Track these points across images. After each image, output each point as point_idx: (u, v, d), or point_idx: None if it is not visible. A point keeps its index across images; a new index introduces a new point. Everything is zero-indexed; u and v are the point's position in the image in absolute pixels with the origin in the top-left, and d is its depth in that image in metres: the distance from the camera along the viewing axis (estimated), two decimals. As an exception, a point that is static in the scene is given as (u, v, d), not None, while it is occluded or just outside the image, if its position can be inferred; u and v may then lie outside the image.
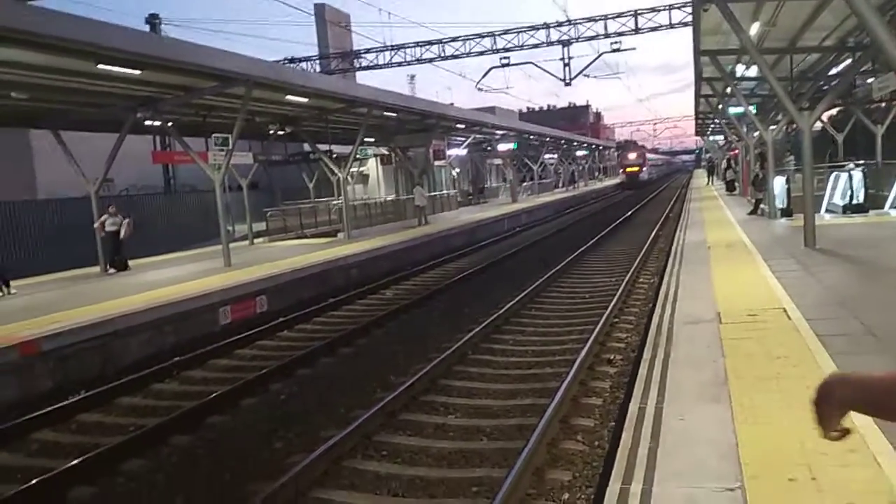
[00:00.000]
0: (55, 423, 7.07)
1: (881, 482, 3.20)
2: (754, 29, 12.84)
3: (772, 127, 19.62)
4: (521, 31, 33.04)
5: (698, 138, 72.67)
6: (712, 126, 42.33)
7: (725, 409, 4.32)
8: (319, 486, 5.08)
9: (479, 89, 35.97)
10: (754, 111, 19.76)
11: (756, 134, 21.68)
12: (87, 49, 9.97)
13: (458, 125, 28.48)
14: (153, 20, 29.27)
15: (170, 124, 16.33)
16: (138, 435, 6.34)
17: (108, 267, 15.70)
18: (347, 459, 5.50)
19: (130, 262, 16.10)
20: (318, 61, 39.12)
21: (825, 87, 19.81)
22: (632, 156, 62.93)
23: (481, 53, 33.65)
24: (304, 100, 16.86)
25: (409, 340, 9.63)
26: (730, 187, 30.98)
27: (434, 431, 6.13)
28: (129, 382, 8.22)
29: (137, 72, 11.57)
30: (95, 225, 15.53)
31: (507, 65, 33.59)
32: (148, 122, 16.62)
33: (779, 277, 8.78)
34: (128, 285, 12.68)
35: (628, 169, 61.37)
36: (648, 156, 68.48)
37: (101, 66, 10.92)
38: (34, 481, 5.36)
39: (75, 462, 5.72)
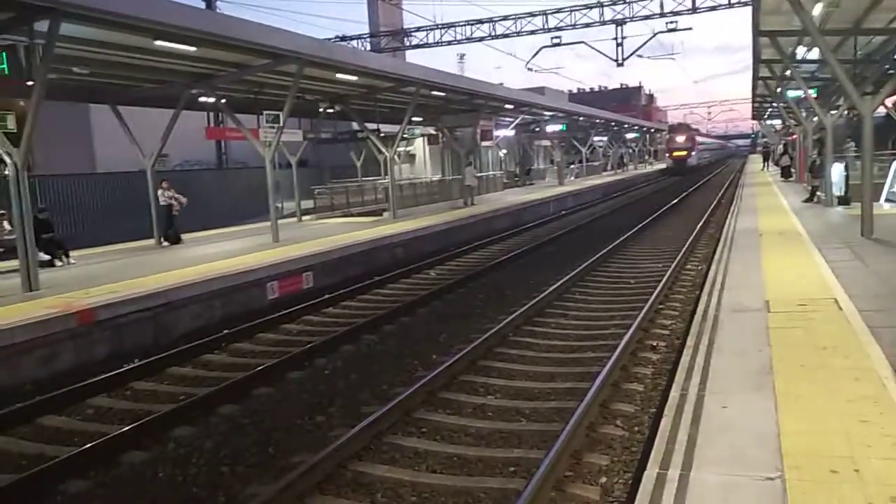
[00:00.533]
0: (110, 390, 7.38)
1: (928, 479, 3.13)
2: (817, 9, 12.35)
3: (832, 112, 18.94)
4: (573, 10, 32.55)
5: (754, 122, 70.56)
6: (770, 110, 41.05)
7: (769, 399, 4.26)
8: (360, 459, 5.20)
9: (529, 69, 35.48)
10: (814, 95, 19.08)
11: (815, 119, 20.97)
12: (146, 25, 10.21)
13: (507, 106, 28.25)
14: (208, -3, 29.73)
15: (223, 101, 16.64)
16: (188, 403, 6.57)
17: (161, 240, 16.18)
18: (388, 435, 5.61)
19: (183, 236, 16.56)
20: (368, 39, 39.24)
21: (891, 71, 18.98)
22: (680, 139, 57.40)
23: (532, 32, 33.28)
24: (354, 78, 16.96)
25: (452, 320, 9.70)
26: (785, 173, 30.07)
27: (473, 411, 6.19)
28: (180, 352, 8.50)
29: (193, 48, 11.81)
30: (162, 201, 15.93)
31: (559, 44, 33.15)
32: (202, 99, 16.99)
33: (832, 267, 8.54)
34: (180, 258, 13.05)
35: (675, 153, 56.22)
36: (699, 139, 62.48)
37: (158, 42, 11.17)
38: (89, 445, 5.62)
39: (128, 428, 5.97)
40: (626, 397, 6.23)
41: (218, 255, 13.17)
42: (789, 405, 4.14)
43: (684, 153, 55.09)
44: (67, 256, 13.13)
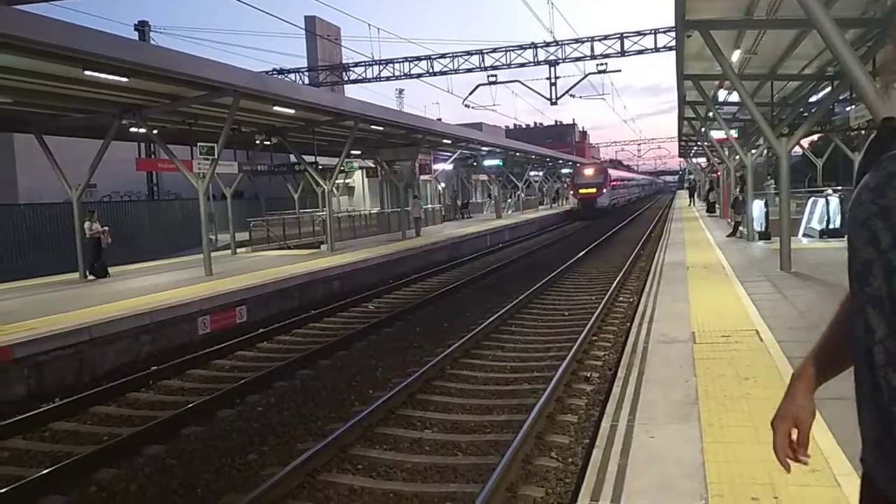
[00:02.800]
0: (27, 431, 7.01)
1: (841, 503, 3.28)
2: (736, 56, 13.12)
3: (752, 151, 19.96)
4: (508, 50, 33.41)
5: (682, 160, 73.46)
6: (695, 148, 42.93)
7: (694, 428, 4.40)
8: (293, 498, 5.09)
9: (467, 106, 35.99)
10: (735, 135, 20.08)
11: (737, 157, 22.04)
12: (75, 55, 9.97)
13: (445, 140, 28.65)
14: (142, 27, 29.25)
15: (155, 132, 16.30)
16: (112, 444, 6.30)
17: (87, 273, 15.58)
18: (323, 473, 5.51)
19: (111, 269, 15.99)
20: (306, 73, 39.24)
21: (805, 114, 20.21)
22: (587, 172, 46.46)
23: (469, 70, 33.93)
24: (292, 111, 16.90)
25: (389, 354, 9.65)
26: (711, 209, 31.38)
27: (410, 446, 6.15)
28: (104, 391, 8.16)
29: (125, 79, 11.56)
30: (89, 233, 15.35)
31: (495, 82, 33.89)
32: (133, 129, 16.60)
33: (753, 299, 8.93)
34: (106, 293, 12.59)
35: (581, 191, 44.88)
36: (613, 173, 51.27)
37: (88, 73, 10.91)
38: (3, 490, 5.32)
39: (47, 471, 5.68)
40: (561, 429, 6.31)
41: (147, 288, 12.78)
42: (713, 435, 4.29)
43: (593, 191, 44.41)
44: (-16, 291, 12.49)
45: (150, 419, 7.06)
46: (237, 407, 7.56)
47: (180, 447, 6.43)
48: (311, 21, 44.30)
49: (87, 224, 15.42)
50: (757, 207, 17.84)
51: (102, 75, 11.15)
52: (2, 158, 25.02)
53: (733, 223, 19.84)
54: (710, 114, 21.34)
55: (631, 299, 12.83)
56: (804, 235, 17.61)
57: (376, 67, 35.72)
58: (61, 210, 17.76)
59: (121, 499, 5.33)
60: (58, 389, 8.29)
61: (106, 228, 15.58)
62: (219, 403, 7.50)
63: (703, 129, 26.52)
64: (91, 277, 15.45)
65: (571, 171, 56.09)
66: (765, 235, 17.07)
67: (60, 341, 8.70)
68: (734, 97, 18.98)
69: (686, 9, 10.35)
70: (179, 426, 6.86)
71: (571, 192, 47.13)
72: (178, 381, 8.84)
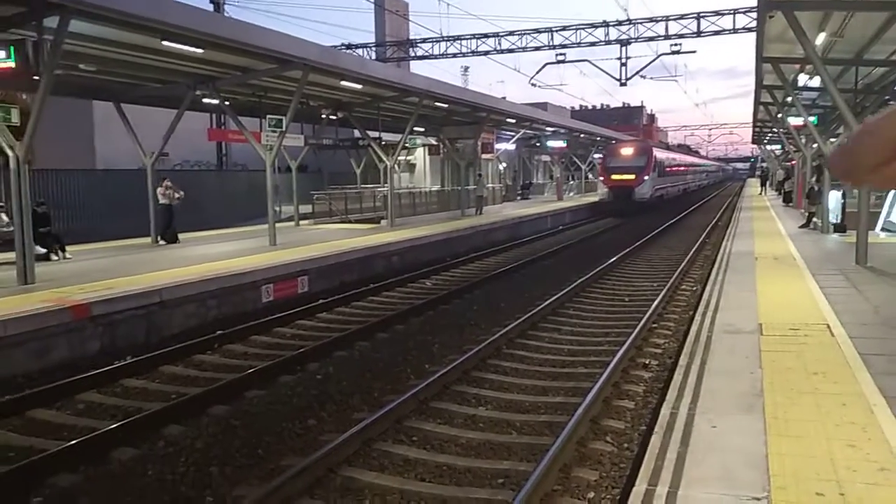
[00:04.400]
0: (101, 386, 7.37)
1: (913, 506, 3.16)
2: (820, 39, 12.49)
3: (831, 139, 19.09)
4: (579, 28, 32.73)
5: (754, 146, 70.88)
6: (770, 135, 41.34)
7: (758, 420, 4.29)
8: (350, 465, 5.20)
9: (533, 84, 35.26)
10: (814, 122, 19.22)
11: (815, 146, 21.12)
12: (154, 25, 10.28)
13: (509, 119, 28.40)
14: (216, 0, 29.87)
15: (226, 103, 16.70)
16: (179, 402, 6.57)
17: (158, 239, 16.19)
18: (378, 442, 5.62)
19: (180, 236, 16.57)
20: (374, 48, 39.40)
21: (891, 102, 19.16)
22: (624, 152, 34.94)
23: (537, 49, 33.41)
24: (359, 86, 17.04)
25: (446, 330, 9.71)
26: (787, 198, 30.18)
27: (464, 422, 6.20)
28: (172, 351, 8.49)
29: (200, 50, 11.87)
30: (161, 199, 16.01)
31: (563, 62, 33.26)
32: (205, 100, 17.05)
33: (825, 293, 8.59)
34: (176, 257, 13.06)
35: (614, 176, 33.75)
36: (660, 155, 37.59)
37: (165, 43, 11.24)
38: (78, 440, 5.62)
39: (118, 424, 5.97)
40: (617, 414, 6.24)
41: (214, 255, 13.18)
42: (778, 427, 4.17)
43: (630, 177, 33.18)
44: (63, 251, 13.11)
45: (215, 381, 7.32)
46: (297, 374, 7.76)
47: (243, 409, 6.65)
48: (380, -4, 44.32)
49: (158, 190, 16.02)
50: (833, 198, 17.08)
51: (179, 46, 11.47)
52: (82, 125, 26.08)
53: (807, 214, 19.08)
54: (789, 99, 20.48)
55: (694, 288, 12.53)
56: (883, 230, 16.78)
57: (443, 44, 35.58)
58: (135, 176, 18.43)
59: (187, 454, 5.56)
60: (129, 348, 8.68)
61: (171, 185, 16.16)
62: (280, 369, 7.72)
63: (779, 115, 25.47)
64: (162, 242, 16.05)
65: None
66: (840, 228, 16.36)
67: (134, 302, 9.08)
68: (815, 82, 18.10)
69: (769, -12, 9.91)
70: (243, 389, 7.09)
71: (601, 179, 36.15)
72: (242, 346, 9.12)
